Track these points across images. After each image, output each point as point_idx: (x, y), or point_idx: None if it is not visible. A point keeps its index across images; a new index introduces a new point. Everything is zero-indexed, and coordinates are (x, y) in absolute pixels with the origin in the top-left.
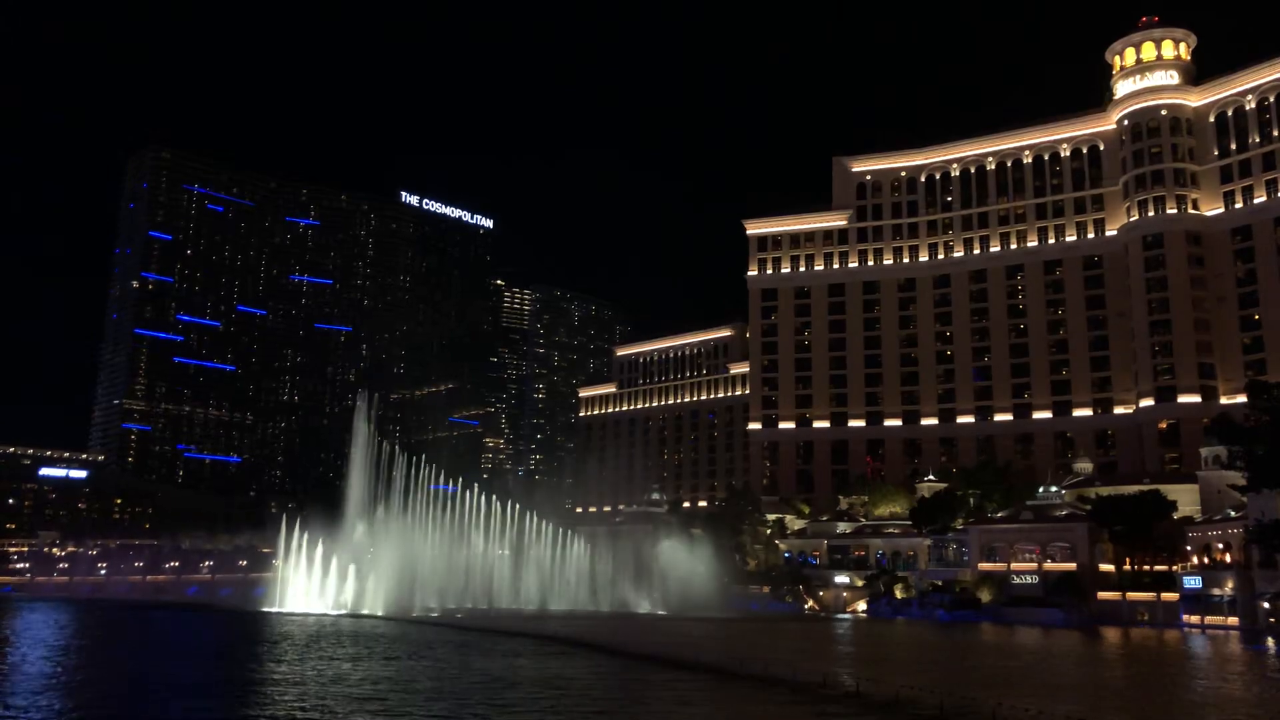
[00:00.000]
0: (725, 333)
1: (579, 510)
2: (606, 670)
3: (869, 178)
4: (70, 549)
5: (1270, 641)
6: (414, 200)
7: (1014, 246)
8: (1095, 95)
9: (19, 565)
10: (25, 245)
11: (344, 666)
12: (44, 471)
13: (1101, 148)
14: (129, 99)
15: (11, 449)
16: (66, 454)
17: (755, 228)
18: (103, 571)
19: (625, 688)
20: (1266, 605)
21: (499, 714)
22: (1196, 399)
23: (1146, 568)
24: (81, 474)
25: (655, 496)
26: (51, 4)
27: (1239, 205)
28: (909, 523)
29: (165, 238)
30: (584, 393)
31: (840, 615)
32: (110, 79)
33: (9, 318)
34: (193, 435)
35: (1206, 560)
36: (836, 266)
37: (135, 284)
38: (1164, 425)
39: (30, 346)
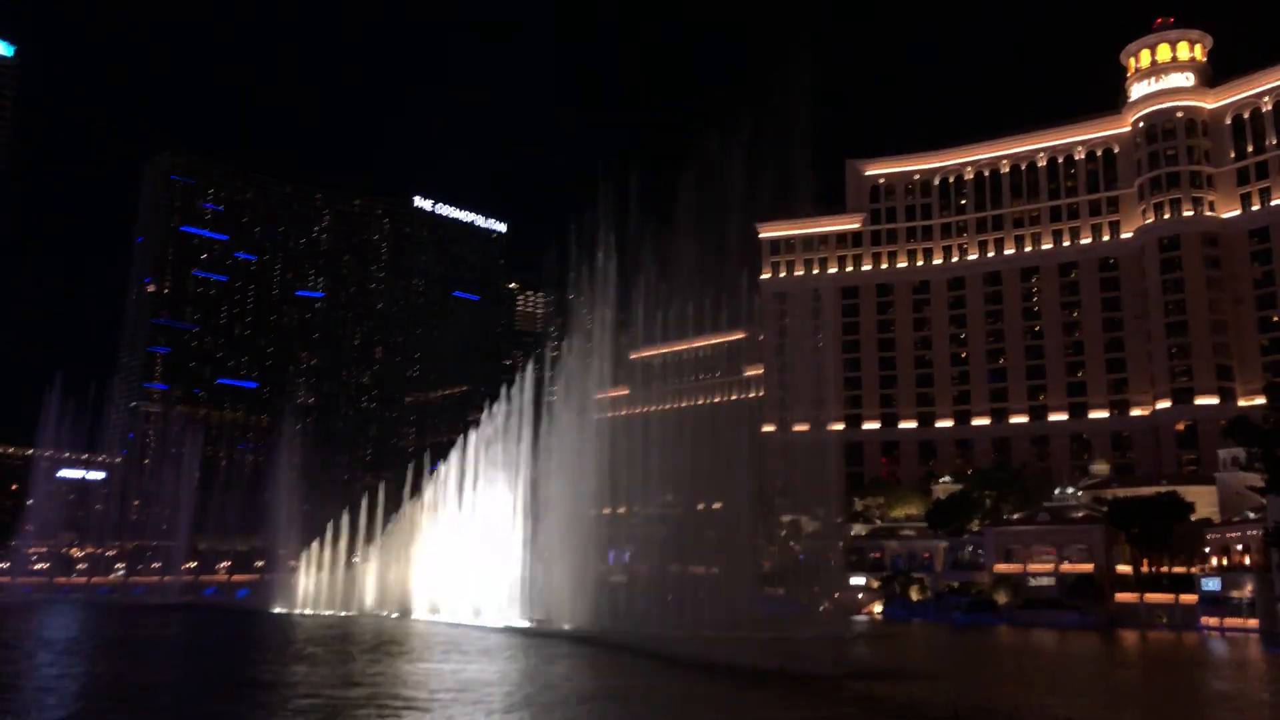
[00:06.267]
0: (739, 335)
1: (592, 513)
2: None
3: (882, 181)
4: (89, 550)
5: None
6: (427, 205)
7: (1029, 249)
8: (1106, 98)
9: (38, 566)
10: (42, 249)
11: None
12: (62, 473)
13: (1116, 150)
14: (142, 104)
15: (30, 450)
16: (84, 455)
17: (768, 231)
18: (120, 572)
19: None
20: None
21: None
22: (1214, 400)
23: (1164, 570)
24: (99, 475)
25: (668, 499)
26: (63, 8)
27: (1256, 207)
28: (925, 525)
29: (180, 242)
30: (597, 395)
31: (856, 617)
32: (122, 84)
33: (27, 320)
34: (208, 438)
35: (1225, 562)
36: (850, 269)
37: (151, 288)
38: (1181, 427)
39: (49, 349)
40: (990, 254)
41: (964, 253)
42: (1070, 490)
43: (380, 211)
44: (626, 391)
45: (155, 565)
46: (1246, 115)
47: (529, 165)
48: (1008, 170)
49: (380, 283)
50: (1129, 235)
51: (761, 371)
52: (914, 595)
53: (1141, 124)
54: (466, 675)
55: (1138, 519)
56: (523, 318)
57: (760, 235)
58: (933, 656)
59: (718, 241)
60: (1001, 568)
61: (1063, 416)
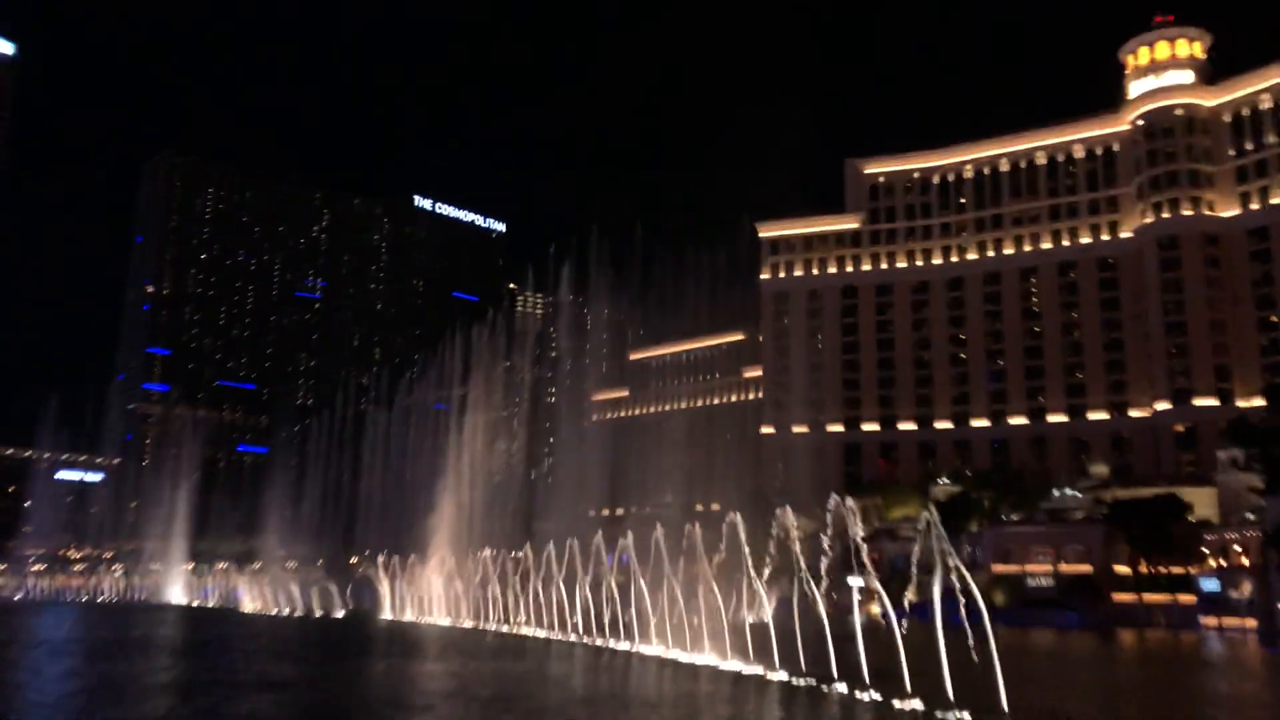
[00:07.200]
0: (738, 336)
1: (591, 514)
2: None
3: (881, 180)
4: (86, 551)
5: None
6: (427, 204)
7: (1028, 249)
8: (1105, 96)
9: (36, 568)
10: (41, 249)
11: None
12: (60, 474)
13: (1115, 149)
14: (142, 104)
15: (28, 452)
16: (83, 457)
17: (768, 230)
18: (118, 574)
19: None
20: None
21: None
22: (1213, 402)
23: (1163, 570)
24: (97, 477)
25: (668, 500)
26: (63, 8)
27: (1255, 206)
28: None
29: (180, 243)
30: (596, 397)
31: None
32: (122, 84)
33: (27, 321)
34: (207, 439)
35: (1224, 563)
36: (849, 269)
37: (150, 288)
38: (1180, 428)
39: (49, 349)
40: (989, 254)
41: (963, 252)
42: (1069, 491)
43: (380, 211)
44: (625, 393)
45: (154, 567)
46: (1246, 113)
47: (529, 165)
48: (1007, 169)
49: (379, 283)
50: (1128, 235)
51: (760, 373)
52: (911, 596)
53: (1140, 122)
54: None
55: (1136, 520)
56: (522, 318)
57: (760, 235)
58: (931, 657)
59: (718, 241)
60: (1000, 568)
61: (1062, 418)
